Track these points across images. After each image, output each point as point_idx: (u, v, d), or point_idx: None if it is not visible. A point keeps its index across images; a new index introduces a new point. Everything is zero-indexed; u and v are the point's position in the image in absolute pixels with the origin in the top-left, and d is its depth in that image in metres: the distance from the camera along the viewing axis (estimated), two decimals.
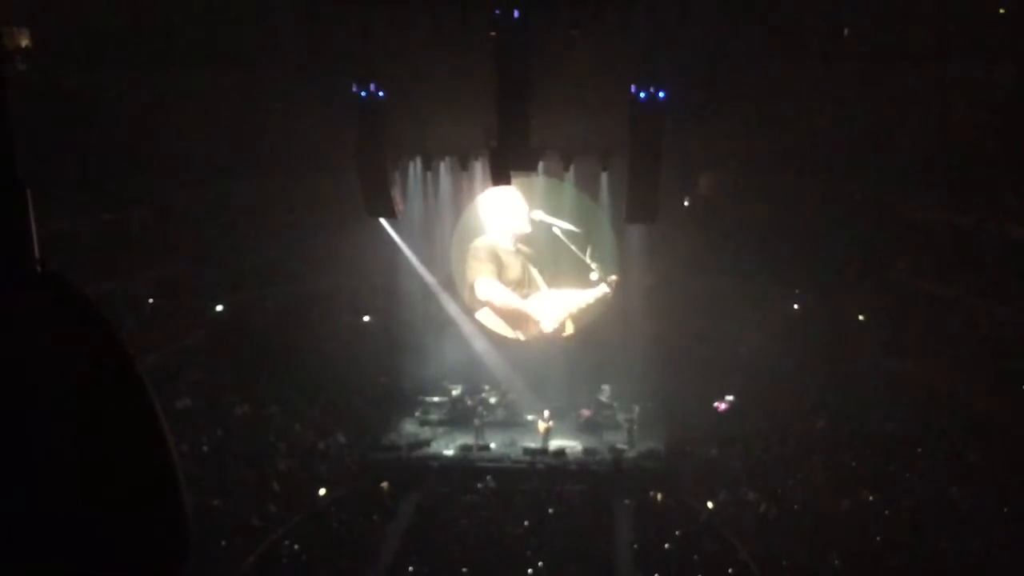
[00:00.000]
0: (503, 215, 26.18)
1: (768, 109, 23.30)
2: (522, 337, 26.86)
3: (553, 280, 26.54)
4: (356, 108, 21.97)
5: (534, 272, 26.49)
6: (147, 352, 22.10)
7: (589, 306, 26.49)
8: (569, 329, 26.81)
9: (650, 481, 21.86)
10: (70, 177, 20.62)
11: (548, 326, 26.64)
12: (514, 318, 26.80)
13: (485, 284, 26.74)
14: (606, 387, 25.12)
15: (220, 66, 23.82)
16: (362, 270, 25.92)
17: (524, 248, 26.41)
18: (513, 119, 20.66)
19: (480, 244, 26.59)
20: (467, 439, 23.72)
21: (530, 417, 24.32)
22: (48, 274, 1.30)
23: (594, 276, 26.11)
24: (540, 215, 25.96)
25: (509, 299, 26.69)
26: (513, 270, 26.63)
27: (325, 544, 19.37)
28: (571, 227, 25.80)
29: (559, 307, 26.60)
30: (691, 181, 27.09)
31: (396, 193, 23.86)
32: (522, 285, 26.68)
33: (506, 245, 26.48)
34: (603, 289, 26.27)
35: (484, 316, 26.90)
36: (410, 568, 18.46)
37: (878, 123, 22.90)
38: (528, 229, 26.09)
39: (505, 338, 26.90)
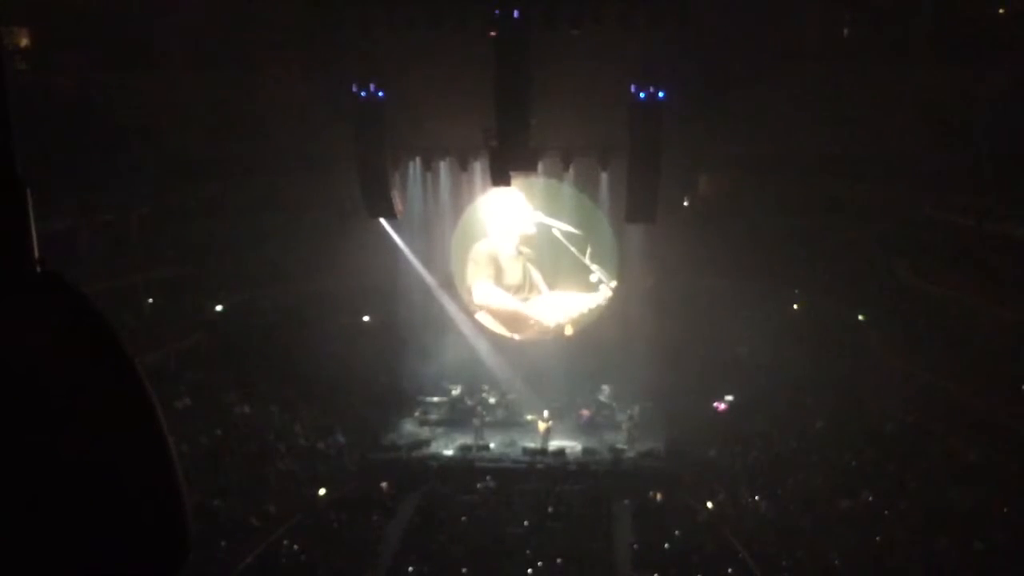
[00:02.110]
0: (506, 217, 26.24)
1: (768, 109, 23.29)
2: (518, 337, 26.95)
3: (553, 282, 26.58)
4: (356, 108, 21.97)
5: (535, 275, 26.52)
6: (147, 352, 22.10)
7: (590, 311, 26.57)
8: (568, 331, 26.86)
9: (650, 481, 21.87)
10: (70, 177, 20.62)
11: (549, 323, 26.71)
12: (511, 320, 26.88)
13: (482, 288, 26.85)
14: (606, 387, 25.13)
15: (220, 66, 23.82)
16: (362, 270, 25.91)
17: (526, 250, 26.45)
18: (513, 119, 20.65)
19: (480, 248, 26.69)
20: (467, 439, 23.72)
21: (530, 417, 24.32)
22: (48, 274, 1.30)
23: (594, 278, 26.15)
24: (540, 217, 25.97)
25: (506, 302, 26.77)
26: (512, 274, 26.70)
27: (325, 544, 19.37)
28: (571, 229, 25.82)
29: (560, 309, 26.66)
30: (691, 181, 27.09)
31: (396, 193, 23.86)
32: (522, 289, 26.74)
33: (507, 249, 26.55)
34: (604, 293, 26.31)
35: (484, 316, 27.02)
36: (410, 568, 18.46)
37: (877, 123, 22.89)
38: (532, 230, 26.15)
39: (505, 338, 26.94)
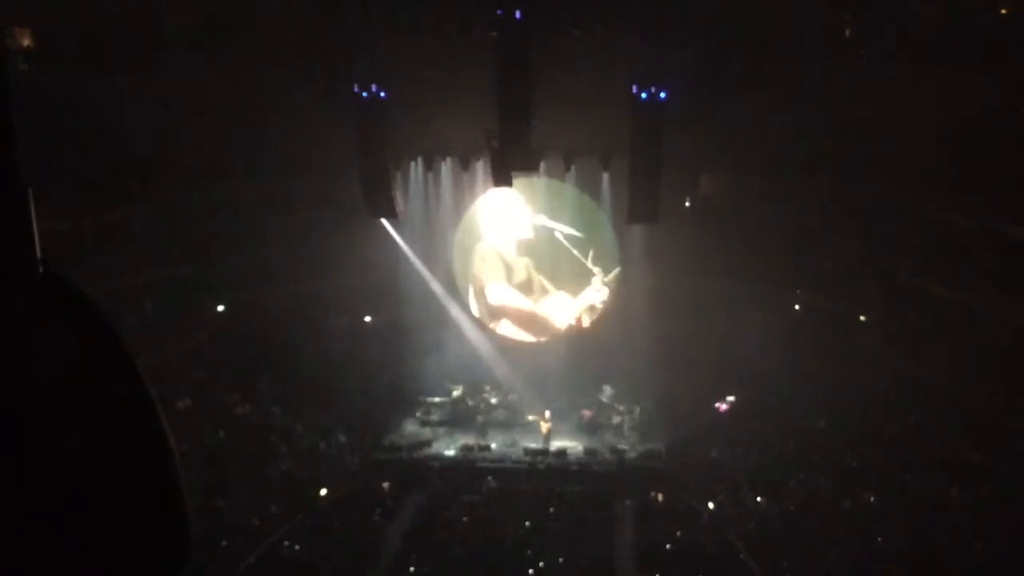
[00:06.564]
0: (504, 220, 26.21)
1: (768, 109, 23.27)
2: (541, 338, 26.80)
3: (555, 284, 26.55)
4: (357, 108, 21.97)
5: (539, 276, 26.50)
6: (148, 352, 22.09)
7: (594, 306, 26.56)
8: (585, 322, 26.72)
9: (651, 482, 21.87)
10: (70, 177, 20.60)
11: (563, 324, 26.61)
12: (529, 322, 26.77)
13: (497, 289, 26.67)
14: (607, 388, 25.12)
15: (220, 67, 23.79)
16: (362, 270, 25.90)
17: (525, 258, 26.48)
18: (514, 119, 20.65)
19: (486, 248, 26.58)
20: (468, 439, 23.74)
21: (531, 417, 24.32)
22: (49, 274, 1.30)
23: (596, 280, 26.15)
24: (542, 219, 25.94)
25: (522, 303, 26.66)
26: (519, 273, 26.66)
27: (325, 544, 19.37)
28: (573, 231, 25.78)
29: (571, 306, 26.60)
30: (691, 181, 27.09)
31: (397, 193, 23.87)
32: (531, 290, 26.68)
33: (510, 249, 26.53)
34: (604, 290, 26.28)
35: (505, 326, 26.85)
36: (410, 568, 18.46)
37: (878, 123, 22.87)
38: (530, 234, 26.10)
39: (506, 339, 26.92)
